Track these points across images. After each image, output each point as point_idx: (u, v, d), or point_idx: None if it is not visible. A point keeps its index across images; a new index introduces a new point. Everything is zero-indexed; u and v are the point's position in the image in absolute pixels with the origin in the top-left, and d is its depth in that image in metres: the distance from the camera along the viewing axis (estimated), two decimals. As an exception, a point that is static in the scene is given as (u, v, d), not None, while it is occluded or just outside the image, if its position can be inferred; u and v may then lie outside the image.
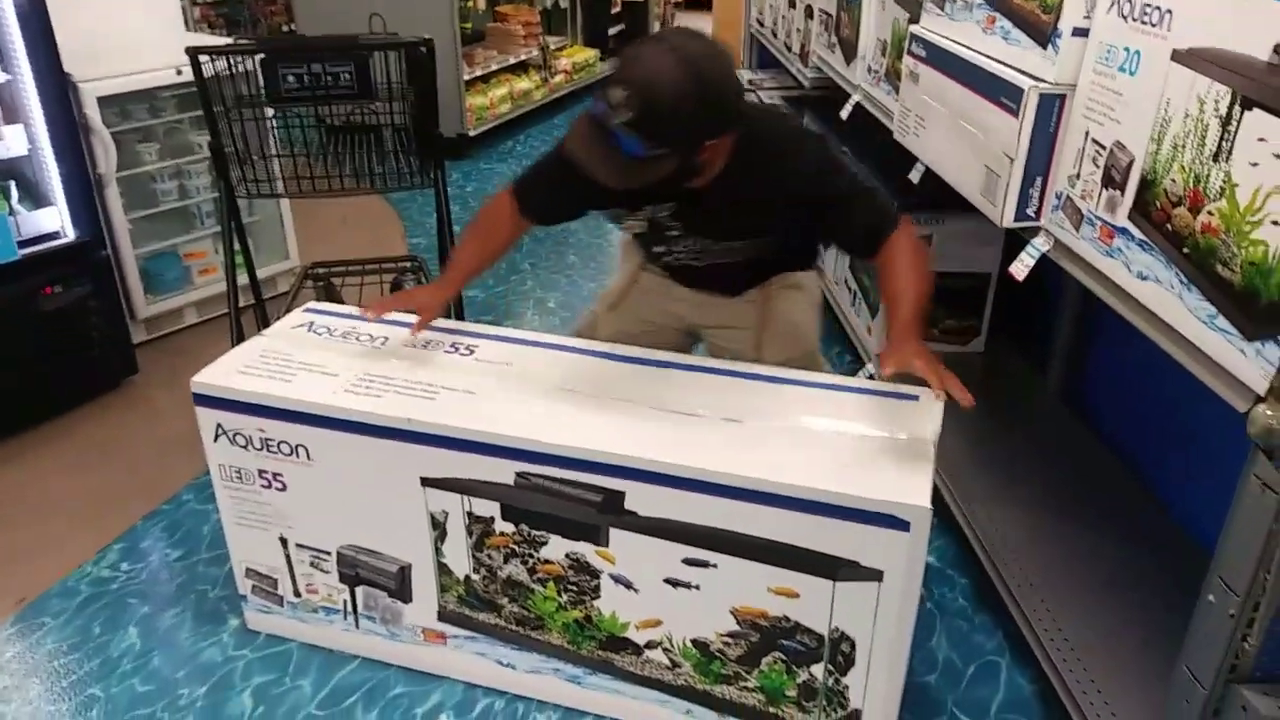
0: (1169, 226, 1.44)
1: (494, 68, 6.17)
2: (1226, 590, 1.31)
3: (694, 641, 1.78)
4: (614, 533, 1.72)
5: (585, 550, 1.77)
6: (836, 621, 1.64)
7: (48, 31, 2.81)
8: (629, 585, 1.76)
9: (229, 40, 2.91)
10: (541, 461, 1.70)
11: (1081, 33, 1.67)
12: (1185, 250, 1.41)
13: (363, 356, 1.95)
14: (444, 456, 1.77)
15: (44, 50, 2.81)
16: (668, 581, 1.72)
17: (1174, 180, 1.43)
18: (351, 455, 1.83)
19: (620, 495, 1.68)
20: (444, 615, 1.96)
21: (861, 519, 1.54)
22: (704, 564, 1.68)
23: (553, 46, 6.84)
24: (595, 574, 1.78)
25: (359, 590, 2.00)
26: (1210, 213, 1.35)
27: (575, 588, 1.81)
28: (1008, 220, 1.85)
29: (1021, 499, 2.36)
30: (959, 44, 2.07)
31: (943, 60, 2.13)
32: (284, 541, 2.00)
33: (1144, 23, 1.50)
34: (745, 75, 4.82)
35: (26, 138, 2.89)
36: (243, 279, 3.12)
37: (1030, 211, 1.84)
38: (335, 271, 3.49)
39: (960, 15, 2.08)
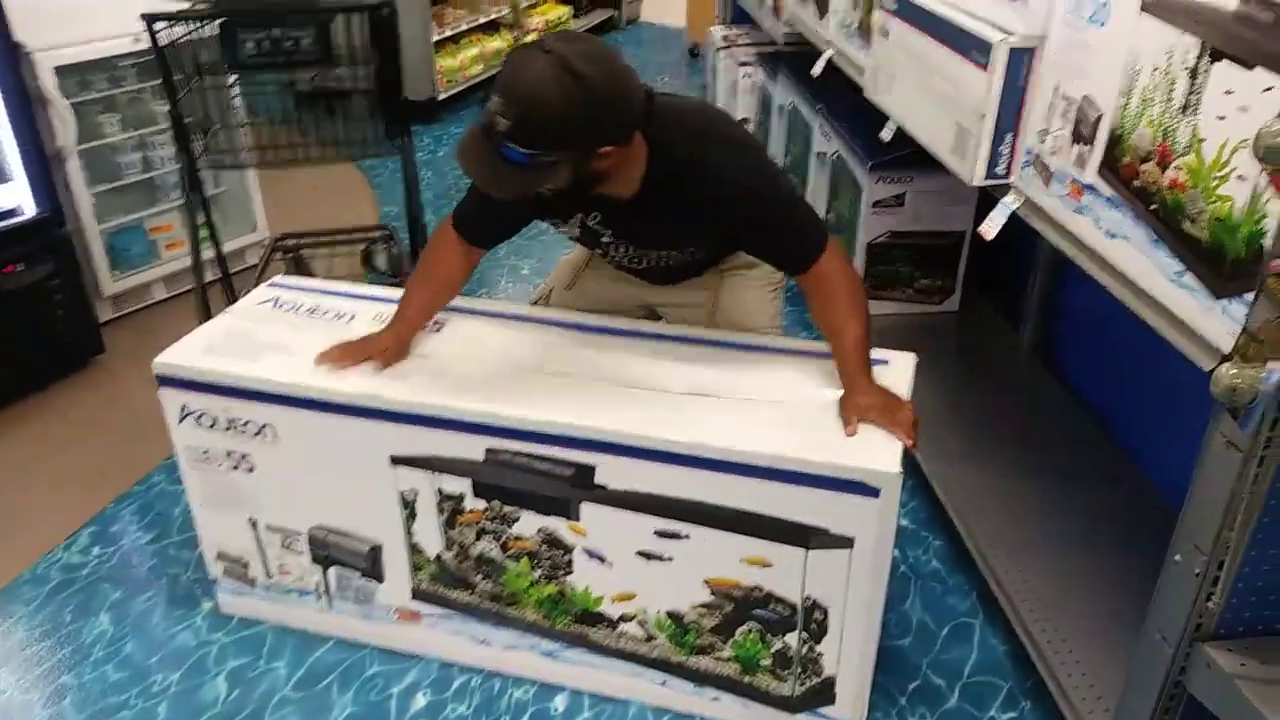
0: (1137, 183, 1.42)
1: (464, 27, 6.04)
2: (1193, 549, 1.31)
3: (668, 613, 1.77)
4: (585, 506, 1.71)
5: (557, 525, 1.75)
6: (809, 590, 1.64)
7: (-4, 0, 2.72)
8: (601, 559, 1.75)
9: (187, 4, 2.82)
10: (511, 436, 1.68)
11: (1051, -17, 1.63)
12: (1153, 207, 1.38)
13: (329, 333, 1.91)
14: (413, 434, 1.74)
15: (-8, 19, 2.73)
16: (640, 554, 1.72)
17: (1143, 135, 1.40)
18: (319, 435, 1.80)
19: (591, 469, 1.66)
20: (418, 594, 1.95)
21: (831, 486, 1.54)
22: (676, 536, 1.67)
23: (524, 4, 6.69)
24: (568, 549, 1.77)
25: (331, 571, 1.98)
26: (1178, 168, 1.32)
27: (548, 563, 1.80)
28: (978, 178, 1.83)
29: (994, 458, 2.36)
30: (928, -3, 2.02)
31: (914, 14, 2.08)
32: (254, 524, 1.98)
33: (1112, -28, 1.46)
34: (720, 31, 4.74)
35: (-22, 112, 2.82)
36: (210, 252, 3.07)
37: (1000, 169, 1.81)
38: (305, 243, 3.44)
39: (929, -33, 2.03)
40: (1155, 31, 1.36)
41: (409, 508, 1.84)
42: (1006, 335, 2.90)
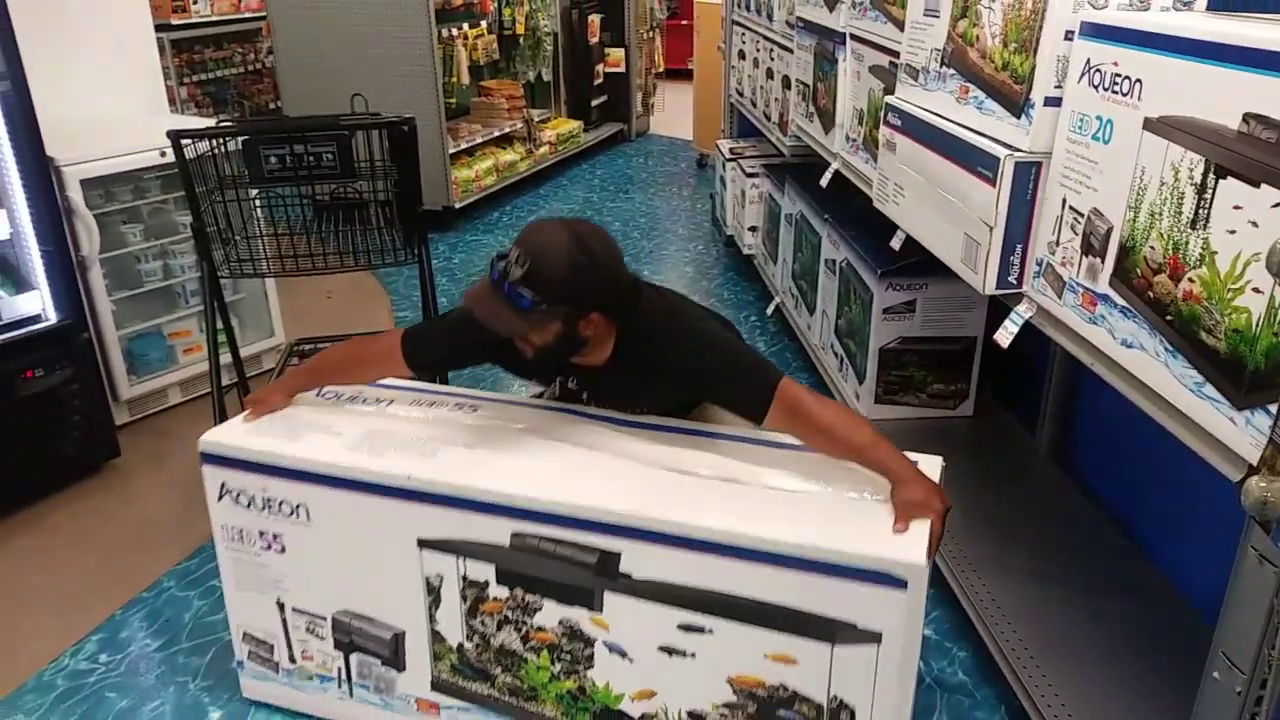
0: (1151, 294, 1.44)
1: (479, 140, 6.24)
2: (1231, 667, 1.28)
3: (690, 714, 1.72)
4: (609, 597, 1.69)
5: (579, 616, 1.73)
6: (835, 689, 1.60)
7: (30, 114, 2.82)
8: (623, 654, 1.72)
9: (212, 122, 2.93)
10: (537, 520, 1.69)
11: (1054, 102, 1.69)
12: (1169, 317, 1.40)
13: (367, 416, 1.98)
14: (441, 516, 1.76)
15: (26, 133, 2.82)
16: (663, 650, 1.68)
17: (1153, 247, 1.43)
18: (349, 515, 1.83)
19: (616, 556, 1.66)
20: (437, 685, 1.91)
21: (858, 577, 1.52)
22: (700, 630, 1.64)
23: (537, 119, 6.93)
24: (589, 642, 1.74)
25: (353, 657, 1.95)
26: (1191, 280, 1.35)
27: (568, 656, 1.77)
28: (990, 288, 1.85)
29: (1017, 566, 2.32)
30: (934, 114, 2.09)
31: (918, 130, 2.15)
32: (281, 606, 1.96)
33: (1115, 92, 1.51)
34: (726, 145, 4.89)
35: (8, 221, 2.89)
36: (227, 357, 3.10)
37: (1012, 279, 1.84)
38: (320, 348, 3.47)
39: (934, 85, 2.11)
40: (1159, 149, 1.40)
41: (434, 594, 1.82)
42: (1022, 440, 2.90)
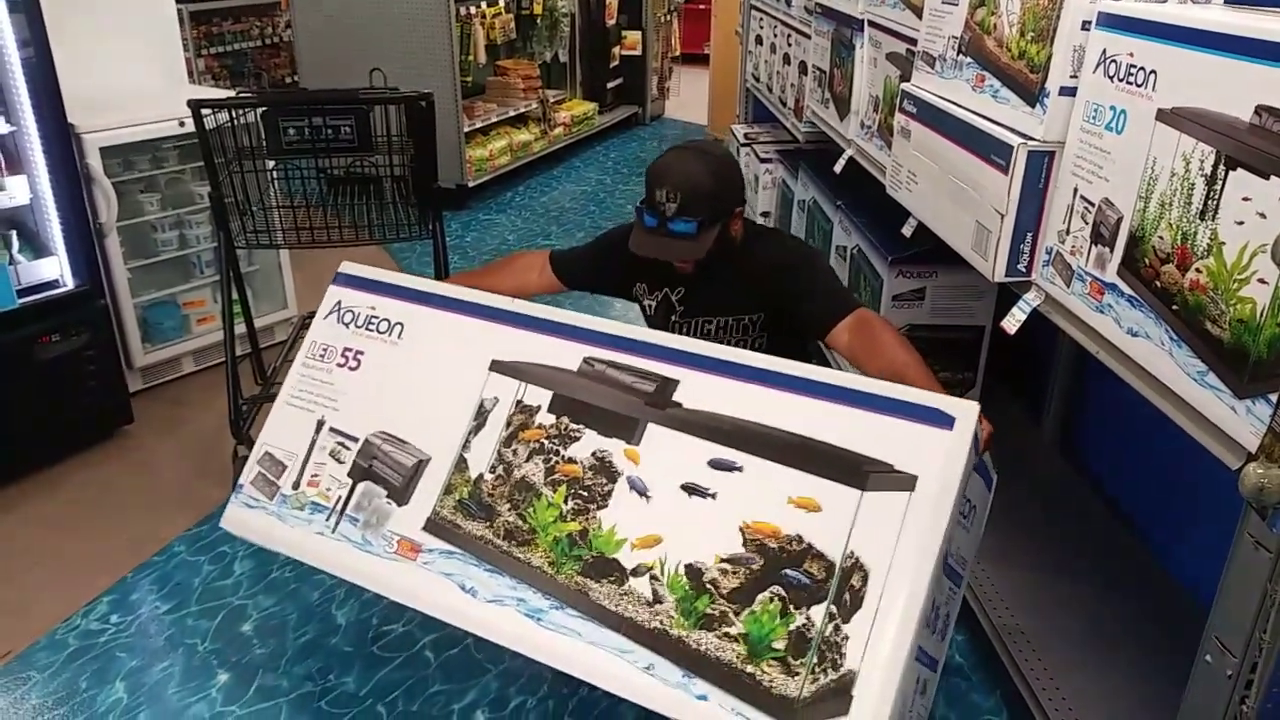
0: (1158, 283, 1.45)
1: (494, 120, 6.25)
2: (1223, 651, 1.30)
3: (688, 568, 1.63)
4: (650, 429, 1.72)
5: (614, 448, 1.75)
6: (854, 545, 1.51)
7: (52, 83, 2.85)
8: (643, 492, 1.71)
9: (231, 93, 2.95)
10: (610, 345, 1.79)
11: (1069, 92, 1.69)
12: (1174, 307, 1.42)
13: None
14: (520, 339, 1.88)
15: (48, 102, 2.85)
16: (685, 488, 1.66)
17: (1162, 237, 1.44)
18: (439, 333, 1.97)
19: (674, 384, 1.72)
20: (431, 523, 1.87)
21: (905, 413, 1.54)
22: (730, 467, 1.64)
23: (552, 99, 6.93)
24: (614, 477, 1.74)
25: (361, 485, 1.94)
26: (1198, 270, 1.36)
27: (585, 493, 1.75)
28: (999, 275, 1.87)
29: (1018, 552, 2.34)
30: (949, 101, 2.10)
31: (933, 117, 2.16)
32: (319, 425, 2.02)
33: (1129, 83, 1.52)
34: (740, 129, 4.89)
35: (29, 188, 2.92)
36: (241, 328, 3.13)
37: (1021, 267, 1.85)
38: (332, 321, 3.50)
39: (950, 73, 2.12)
40: (1171, 140, 1.42)
41: (481, 417, 1.88)
42: (1028, 428, 2.91)
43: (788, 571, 1.55)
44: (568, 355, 1.83)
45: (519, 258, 2.38)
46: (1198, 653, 1.36)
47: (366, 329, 2.04)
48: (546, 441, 1.83)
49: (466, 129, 5.80)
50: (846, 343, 1.94)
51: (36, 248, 3.00)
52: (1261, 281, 1.24)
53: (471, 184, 5.81)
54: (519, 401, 1.86)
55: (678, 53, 8.86)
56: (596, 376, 1.79)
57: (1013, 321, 1.87)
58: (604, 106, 7.63)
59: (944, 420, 1.49)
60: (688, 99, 8.60)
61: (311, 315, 3.40)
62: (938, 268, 2.80)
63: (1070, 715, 1.86)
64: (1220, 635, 1.31)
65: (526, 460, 1.84)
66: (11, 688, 2.18)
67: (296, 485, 2.02)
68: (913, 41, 2.34)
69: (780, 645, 1.52)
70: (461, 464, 1.88)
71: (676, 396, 1.71)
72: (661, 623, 1.63)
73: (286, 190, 3.00)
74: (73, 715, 2.10)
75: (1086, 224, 1.64)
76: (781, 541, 1.57)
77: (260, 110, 2.77)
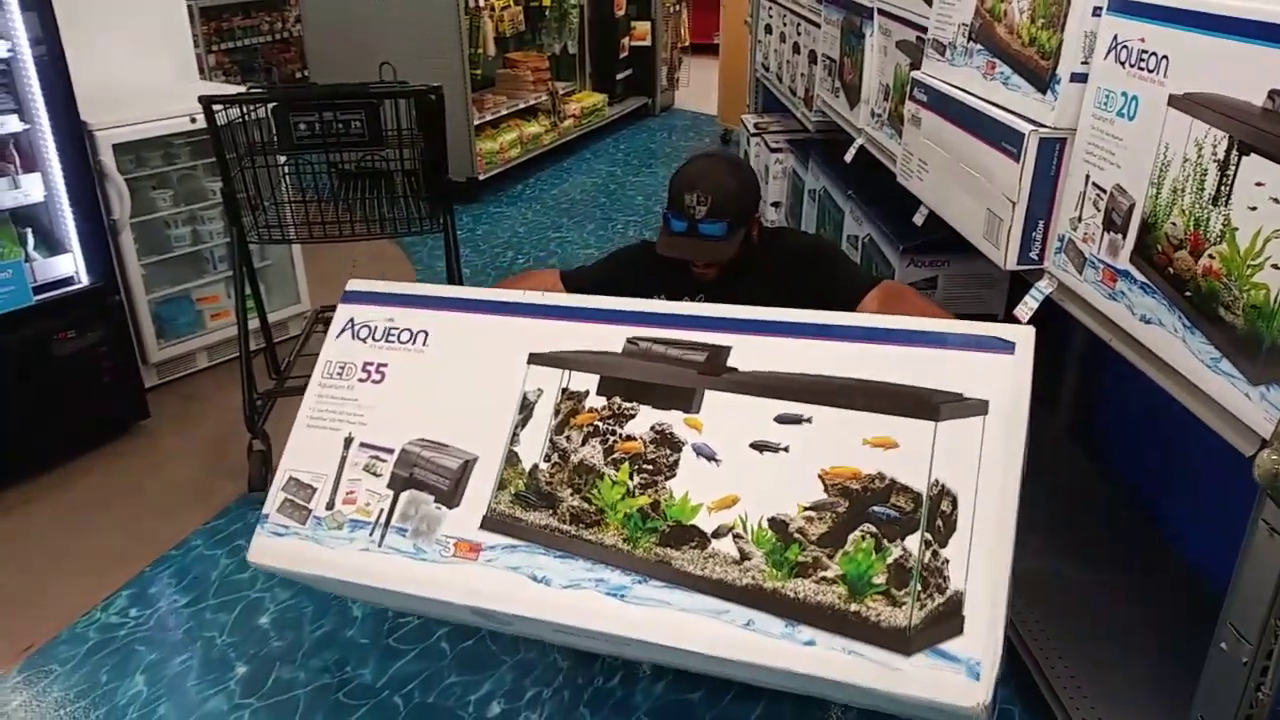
0: (1171, 270, 1.45)
1: (504, 112, 6.25)
2: (1239, 638, 1.30)
3: (771, 521, 1.60)
4: (709, 396, 1.69)
5: (673, 420, 1.71)
6: (937, 473, 1.50)
7: (65, 81, 2.87)
8: (711, 457, 1.68)
9: (242, 88, 2.96)
10: (654, 323, 1.77)
11: (1080, 78, 1.69)
12: (1187, 293, 1.41)
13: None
14: (557, 330, 1.84)
15: (61, 99, 2.87)
16: (755, 446, 1.64)
17: (1175, 224, 1.44)
18: (468, 336, 1.91)
19: (725, 350, 1.70)
20: (488, 520, 1.80)
21: (964, 345, 1.55)
22: (798, 420, 1.62)
23: (561, 91, 6.92)
24: (677, 447, 1.70)
25: (404, 495, 1.86)
26: (1211, 256, 1.36)
27: (651, 467, 1.71)
28: (1011, 263, 1.86)
29: (1032, 541, 2.32)
30: (960, 89, 2.09)
31: (944, 105, 2.15)
32: (348, 442, 1.91)
33: (1141, 68, 1.51)
34: (751, 119, 4.87)
35: (44, 185, 2.94)
36: (254, 323, 3.15)
37: (1033, 254, 1.84)
38: (345, 315, 3.52)
39: (960, 61, 2.11)
40: (1184, 126, 1.41)
41: (526, 410, 1.82)
42: (1041, 417, 2.89)
43: (875, 508, 1.53)
44: (609, 339, 1.81)
45: (529, 277, 2.42)
46: (1213, 640, 1.36)
47: (387, 341, 1.97)
48: (600, 423, 1.78)
49: (476, 122, 5.81)
50: (876, 310, 1.98)
51: (51, 245, 3.02)
52: (1275, 267, 1.23)
53: (482, 177, 5.82)
54: (564, 389, 1.82)
55: (687, 43, 8.83)
56: (644, 354, 1.76)
57: (1025, 310, 1.86)
58: (614, 98, 7.61)
59: (1005, 346, 1.52)
60: (697, 89, 8.58)
61: (325, 308, 3.47)
62: (949, 256, 2.79)
63: (1085, 704, 1.86)
64: (1235, 622, 1.31)
65: (582, 444, 1.78)
66: (33, 681, 2.21)
67: (331, 505, 1.91)
68: (923, 29, 2.33)
69: (881, 580, 1.49)
70: (513, 458, 1.82)
71: (730, 362, 1.69)
72: (754, 578, 1.58)
73: (298, 185, 3.01)
74: (94, 708, 2.12)
75: (1098, 211, 1.64)
76: (864, 481, 1.55)
77: (271, 106, 2.78)
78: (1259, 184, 1.26)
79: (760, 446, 1.62)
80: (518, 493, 1.79)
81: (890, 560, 1.48)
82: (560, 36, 7.08)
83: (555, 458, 1.79)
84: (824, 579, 1.53)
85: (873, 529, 1.51)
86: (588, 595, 1.66)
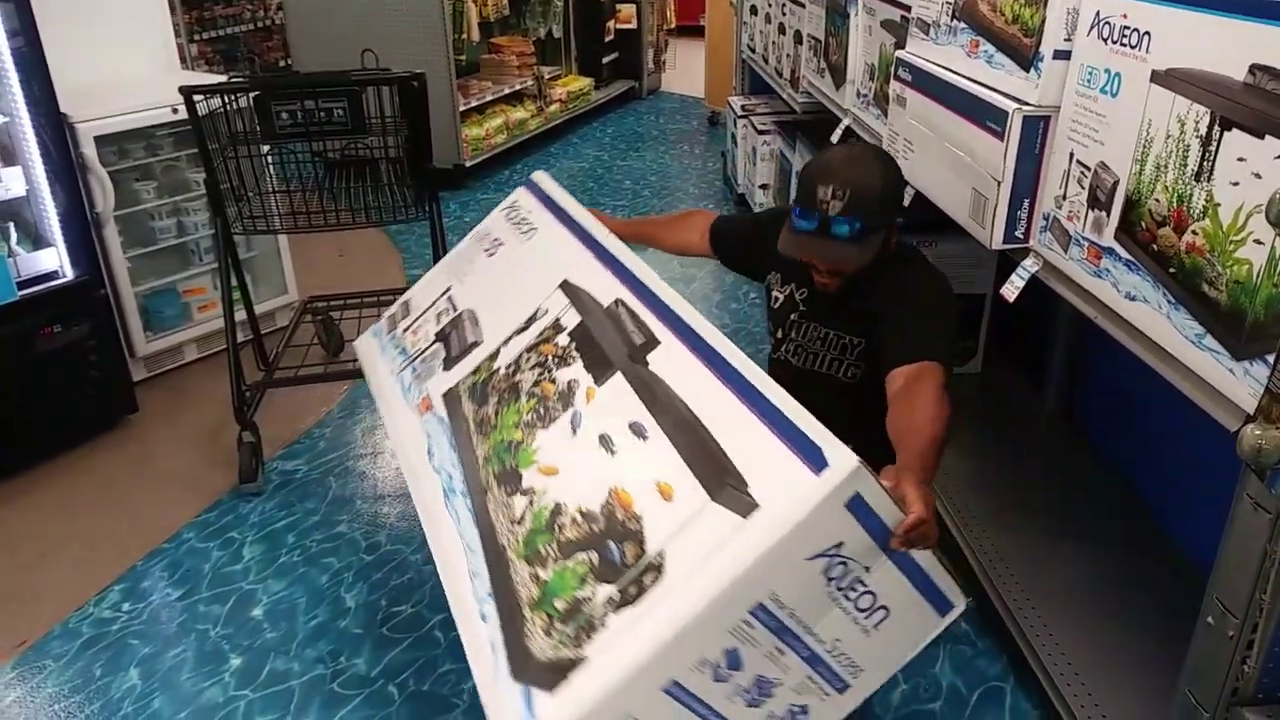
0: (1155, 246, 1.45)
1: (489, 98, 6.22)
2: (1225, 612, 1.31)
3: (555, 505, 1.63)
4: (615, 377, 1.72)
5: (584, 383, 1.77)
6: (671, 545, 1.42)
7: (44, 73, 2.83)
8: (575, 429, 1.73)
9: (223, 78, 2.93)
10: (641, 297, 1.81)
11: (1063, 55, 1.68)
12: (1171, 270, 1.41)
13: None
14: (594, 271, 1.94)
15: (41, 91, 2.84)
16: (600, 438, 1.66)
17: (1158, 200, 1.44)
18: (550, 246, 2.12)
19: (655, 344, 1.70)
20: (449, 393, 2.05)
21: (791, 439, 1.36)
22: (642, 433, 1.61)
23: (547, 76, 6.88)
24: (568, 406, 1.77)
25: (435, 346, 2.18)
26: (1194, 232, 1.36)
27: (543, 411, 1.82)
28: (997, 242, 1.86)
29: (1021, 519, 2.35)
30: (944, 68, 2.08)
31: (928, 84, 2.15)
32: (446, 290, 2.27)
33: (1123, 45, 1.51)
34: (738, 101, 4.86)
35: (25, 179, 2.92)
36: (241, 314, 3.14)
37: (1019, 233, 1.85)
38: (334, 305, 3.51)
39: (945, 40, 2.10)
40: (1167, 102, 1.41)
41: (529, 322, 1.98)
42: (1030, 396, 2.91)
43: (611, 543, 1.51)
44: (616, 293, 1.88)
45: (689, 216, 2.29)
46: (1199, 614, 1.37)
47: (515, 225, 2.27)
48: (550, 359, 1.90)
49: (462, 108, 5.77)
50: (893, 389, 1.67)
51: (35, 239, 3.00)
52: (1258, 242, 1.23)
53: (468, 164, 5.79)
54: (557, 320, 1.94)
55: (673, 25, 8.79)
56: (612, 316, 1.82)
57: (1011, 289, 1.86)
58: (600, 81, 7.57)
59: (817, 460, 1.31)
60: (684, 72, 8.54)
61: (312, 299, 3.46)
62: (937, 236, 2.79)
63: (1075, 679, 1.88)
64: (1221, 596, 1.32)
65: (529, 369, 1.92)
66: (27, 677, 2.20)
67: (406, 330, 2.30)
68: (907, 8, 2.32)
69: (560, 606, 1.47)
70: (495, 355, 2.01)
71: (650, 357, 1.69)
72: (507, 540, 1.65)
73: (283, 175, 2.99)
74: (88, 702, 2.12)
75: (1083, 189, 1.64)
76: (626, 515, 1.52)
77: (252, 95, 2.76)
78: (1241, 159, 1.26)
79: (603, 441, 1.64)
80: (475, 383, 1.99)
81: (579, 594, 1.47)
82: (545, 20, 7.03)
83: (511, 368, 1.95)
84: (536, 575, 1.56)
85: (595, 560, 1.49)
86: (433, 480, 1.89)
